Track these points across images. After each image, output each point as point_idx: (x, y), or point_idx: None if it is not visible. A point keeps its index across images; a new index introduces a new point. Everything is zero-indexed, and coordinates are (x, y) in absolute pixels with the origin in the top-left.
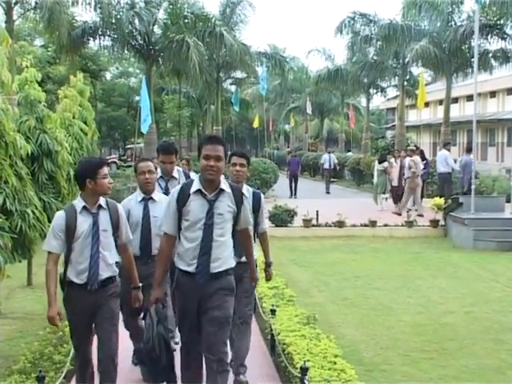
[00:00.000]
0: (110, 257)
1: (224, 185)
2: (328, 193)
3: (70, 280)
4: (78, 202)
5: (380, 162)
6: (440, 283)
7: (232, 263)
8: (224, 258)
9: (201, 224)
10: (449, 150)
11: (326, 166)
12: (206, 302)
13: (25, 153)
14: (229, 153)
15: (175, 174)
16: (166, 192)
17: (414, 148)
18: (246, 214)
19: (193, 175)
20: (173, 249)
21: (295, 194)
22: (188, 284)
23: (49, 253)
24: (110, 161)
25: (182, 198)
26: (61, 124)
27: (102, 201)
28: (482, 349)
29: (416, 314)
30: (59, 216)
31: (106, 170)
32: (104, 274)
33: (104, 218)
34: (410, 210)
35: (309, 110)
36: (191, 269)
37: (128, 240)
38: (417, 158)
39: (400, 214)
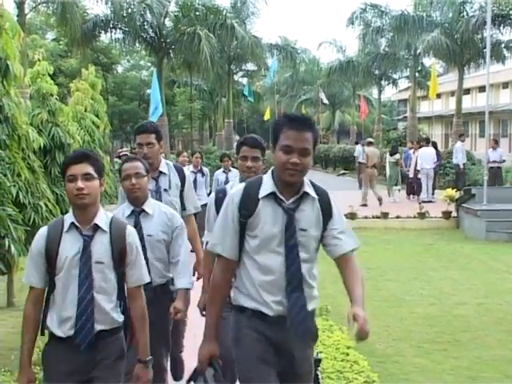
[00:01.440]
0: (106, 302)
1: (308, 187)
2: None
3: (49, 330)
4: (68, 217)
5: (392, 154)
6: (452, 275)
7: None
8: (315, 292)
9: (276, 244)
10: (463, 141)
11: (361, 159)
12: (291, 355)
13: (37, 146)
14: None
15: (163, 168)
16: (157, 194)
17: (371, 140)
18: (346, 232)
19: (186, 169)
20: (231, 279)
21: None
22: (267, 332)
23: (30, 287)
24: (121, 154)
25: (248, 205)
26: (73, 117)
27: (101, 219)
28: (495, 340)
29: (428, 305)
30: (39, 234)
31: (77, 168)
32: (98, 326)
33: (100, 245)
34: (423, 201)
35: (325, 100)
36: (272, 311)
37: (142, 282)
38: (370, 149)
39: (366, 205)
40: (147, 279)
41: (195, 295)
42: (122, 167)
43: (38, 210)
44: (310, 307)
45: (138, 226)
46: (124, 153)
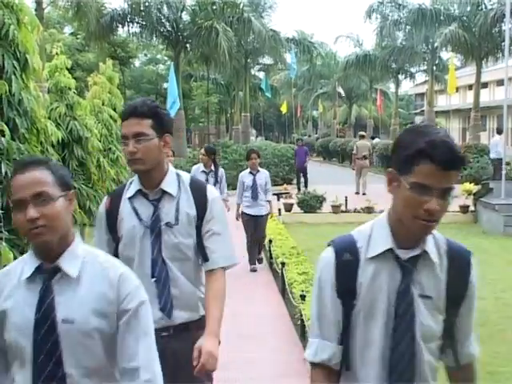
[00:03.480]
0: None
1: None
2: None
3: None
4: None
5: None
6: None
7: None
8: None
9: None
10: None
11: None
12: None
13: (55, 139)
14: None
15: (169, 184)
16: (153, 233)
17: (363, 133)
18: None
19: (212, 188)
20: None
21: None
22: None
23: None
24: None
25: None
26: (90, 111)
27: None
28: None
29: None
30: None
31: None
32: None
33: None
34: None
35: (341, 91)
36: None
37: None
38: (360, 142)
39: (358, 193)
40: None
41: None
42: (12, 181)
43: None
44: None
45: (44, 304)
46: None
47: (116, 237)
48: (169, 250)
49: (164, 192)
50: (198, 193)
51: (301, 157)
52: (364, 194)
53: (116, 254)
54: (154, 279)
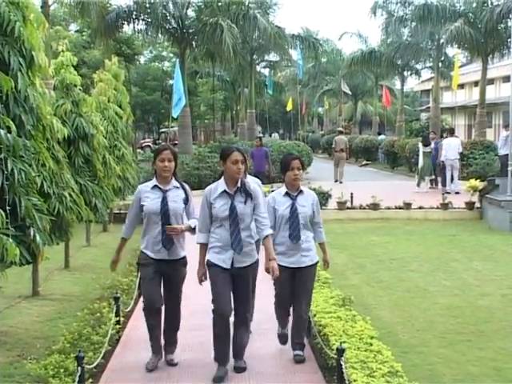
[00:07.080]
0: None
1: None
2: None
3: None
4: None
5: (425, 145)
6: (476, 266)
7: None
8: None
9: None
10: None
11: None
12: None
13: (61, 136)
14: None
15: None
16: None
17: (341, 129)
18: None
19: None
20: None
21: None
22: None
23: None
24: (144, 145)
25: None
26: (96, 108)
27: None
28: None
29: (452, 296)
30: None
31: None
32: None
33: None
34: (447, 192)
35: (347, 90)
36: None
37: None
38: (339, 137)
39: (336, 181)
40: None
41: None
42: None
43: (63, 199)
44: None
45: None
46: (146, 143)
47: None
48: None
49: None
50: None
51: (258, 160)
52: (341, 182)
53: None
54: None
